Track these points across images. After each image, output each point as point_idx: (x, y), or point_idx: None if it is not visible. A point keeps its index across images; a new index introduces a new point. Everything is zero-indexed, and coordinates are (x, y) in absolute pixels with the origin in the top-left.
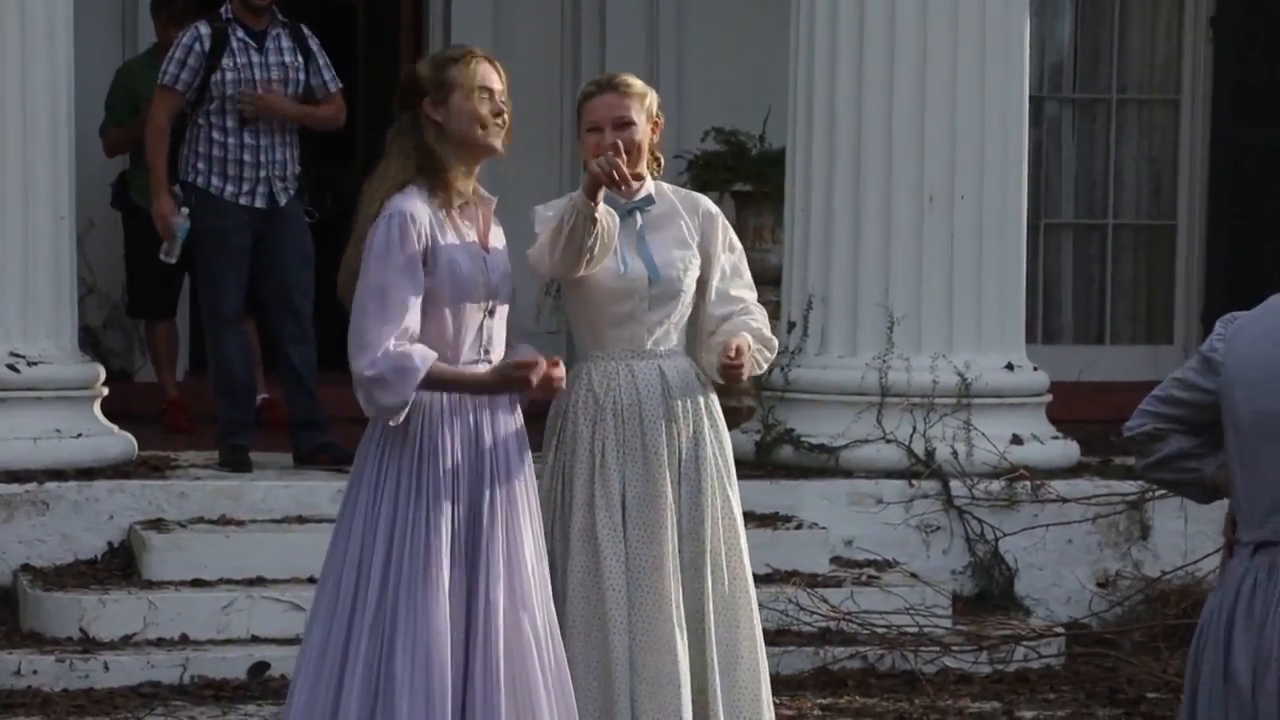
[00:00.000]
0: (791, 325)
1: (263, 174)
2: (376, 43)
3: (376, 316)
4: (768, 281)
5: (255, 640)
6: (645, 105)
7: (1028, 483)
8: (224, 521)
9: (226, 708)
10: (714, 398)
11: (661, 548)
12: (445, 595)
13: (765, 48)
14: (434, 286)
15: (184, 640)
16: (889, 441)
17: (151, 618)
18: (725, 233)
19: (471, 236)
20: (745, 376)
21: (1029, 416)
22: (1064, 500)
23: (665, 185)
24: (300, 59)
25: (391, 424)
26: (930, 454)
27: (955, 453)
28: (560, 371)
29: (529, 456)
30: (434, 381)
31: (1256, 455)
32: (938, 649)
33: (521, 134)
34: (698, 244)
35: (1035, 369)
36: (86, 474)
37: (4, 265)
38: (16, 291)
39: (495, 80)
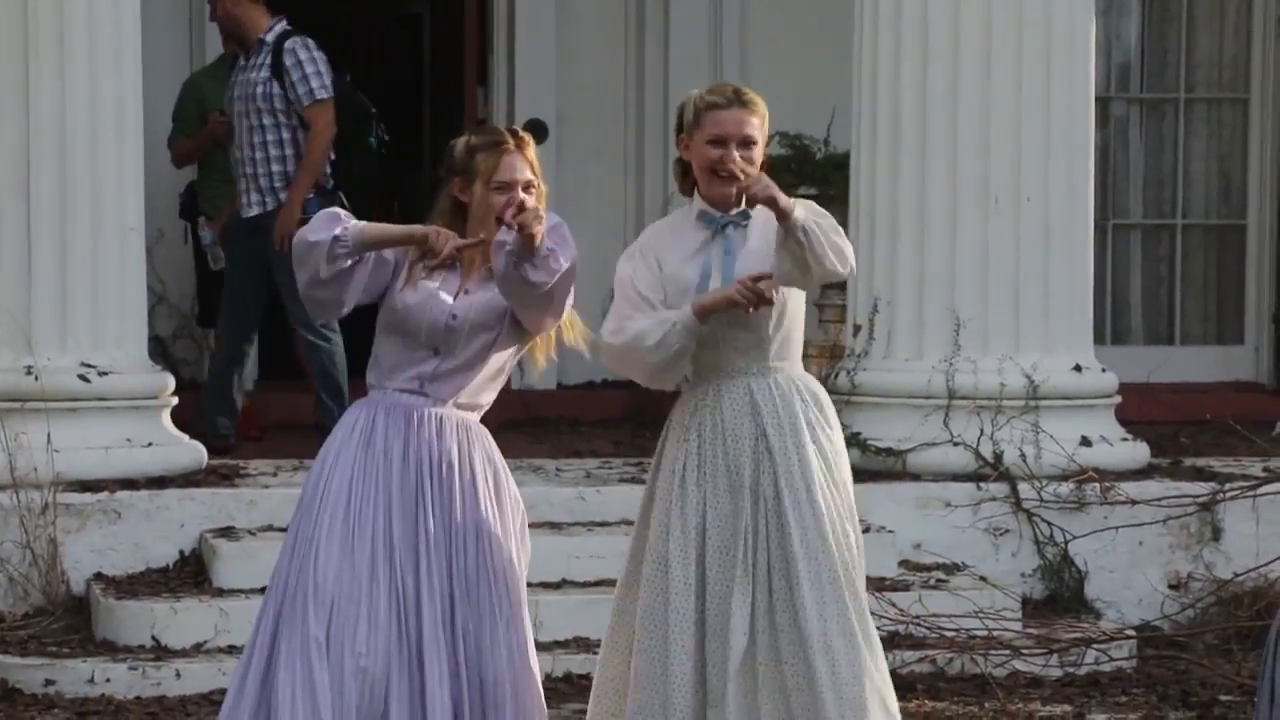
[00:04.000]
0: (857, 329)
1: (242, 186)
2: (442, 50)
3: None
4: (833, 286)
5: None
6: (764, 125)
7: (1097, 485)
8: None
9: None
10: (821, 412)
11: (732, 570)
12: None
13: (829, 51)
14: (386, 314)
15: None
16: (956, 444)
17: (223, 625)
18: None
19: (437, 282)
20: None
21: (1098, 418)
22: (1134, 502)
23: None
24: (269, 74)
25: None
26: (998, 457)
27: (1023, 455)
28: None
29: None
30: (360, 239)
31: None
32: (1007, 652)
33: (586, 137)
34: None
35: (1104, 370)
36: (157, 483)
37: (74, 277)
38: (86, 302)
39: (518, 171)
